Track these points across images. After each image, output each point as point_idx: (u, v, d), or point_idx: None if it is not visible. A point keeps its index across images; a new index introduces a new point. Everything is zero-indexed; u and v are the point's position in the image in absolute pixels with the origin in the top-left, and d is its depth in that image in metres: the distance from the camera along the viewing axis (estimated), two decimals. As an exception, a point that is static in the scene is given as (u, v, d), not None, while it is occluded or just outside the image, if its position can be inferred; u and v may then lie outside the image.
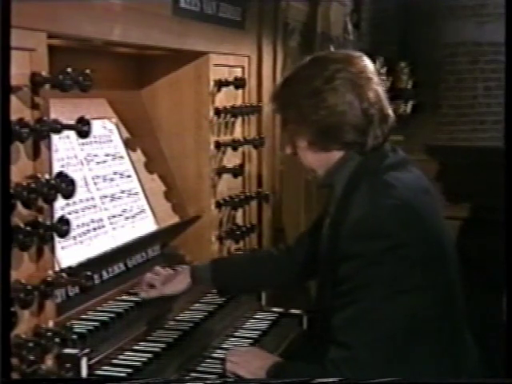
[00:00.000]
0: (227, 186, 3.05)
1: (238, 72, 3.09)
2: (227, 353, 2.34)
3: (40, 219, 1.76)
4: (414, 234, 2.04)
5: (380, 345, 2.01)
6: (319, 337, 2.25)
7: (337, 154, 2.16)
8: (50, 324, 1.83)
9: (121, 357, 2.17)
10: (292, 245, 2.69)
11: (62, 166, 2.30)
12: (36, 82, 1.76)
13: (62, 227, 1.78)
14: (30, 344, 1.70)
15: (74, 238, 2.28)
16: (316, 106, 2.10)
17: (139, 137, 2.87)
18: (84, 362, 1.93)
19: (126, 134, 2.80)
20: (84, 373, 1.93)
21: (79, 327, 2.12)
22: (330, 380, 1.91)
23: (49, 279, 1.78)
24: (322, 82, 2.10)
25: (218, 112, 2.93)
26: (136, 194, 2.73)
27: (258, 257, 2.71)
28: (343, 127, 2.10)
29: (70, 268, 1.90)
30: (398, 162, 2.20)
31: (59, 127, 1.78)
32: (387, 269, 2.00)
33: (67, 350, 1.89)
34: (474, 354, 2.30)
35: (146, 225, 2.72)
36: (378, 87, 2.16)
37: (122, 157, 2.73)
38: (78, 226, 2.32)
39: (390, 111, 2.18)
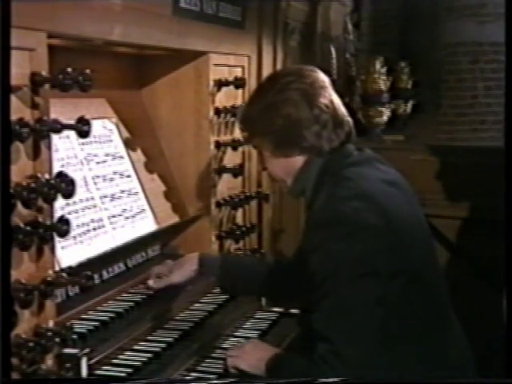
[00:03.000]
0: (227, 185, 3.05)
1: (238, 72, 3.10)
2: (229, 350, 2.35)
3: (40, 219, 1.76)
4: (369, 219, 2.08)
5: (358, 332, 2.06)
6: (308, 334, 2.27)
7: (299, 160, 2.27)
8: (50, 324, 1.83)
9: (121, 357, 2.17)
10: (291, 257, 2.72)
11: (62, 166, 2.31)
12: (36, 82, 1.76)
13: (62, 227, 1.78)
14: (30, 344, 1.70)
15: (74, 237, 2.29)
16: (272, 117, 2.25)
17: (139, 137, 2.87)
18: (84, 362, 1.93)
19: (126, 134, 2.81)
20: (84, 373, 1.93)
21: (79, 327, 2.12)
22: (332, 380, 1.92)
23: (49, 279, 1.78)
24: (274, 94, 2.26)
25: (217, 112, 2.93)
26: (136, 193, 2.73)
27: (267, 264, 2.73)
28: (299, 133, 2.24)
29: (70, 268, 1.90)
30: (362, 160, 2.29)
31: (59, 127, 1.78)
32: (347, 254, 2.05)
33: (67, 350, 1.89)
34: (463, 341, 2.34)
35: (146, 225, 2.72)
36: (331, 96, 2.29)
37: (121, 157, 2.73)
38: (77, 225, 2.33)
39: (346, 117, 2.31)
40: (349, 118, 2.33)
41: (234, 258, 2.86)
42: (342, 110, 2.31)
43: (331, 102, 2.27)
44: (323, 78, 2.32)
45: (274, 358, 2.21)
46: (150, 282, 2.50)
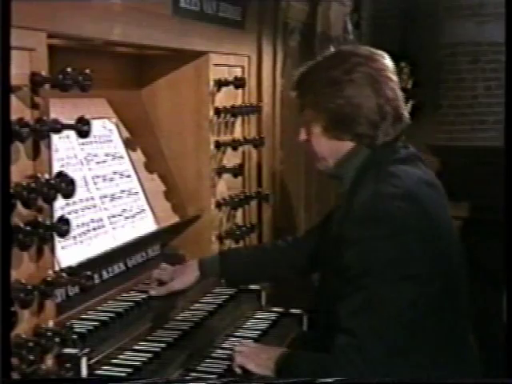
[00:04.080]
0: (227, 185, 3.05)
1: (238, 72, 3.09)
2: (237, 347, 2.34)
3: (40, 219, 1.76)
4: (414, 221, 2.05)
5: (384, 332, 2.03)
6: (324, 327, 2.26)
7: (348, 145, 2.21)
8: (50, 324, 1.83)
9: (121, 356, 2.17)
10: (301, 237, 2.71)
11: (62, 166, 2.30)
12: (36, 82, 1.76)
13: (62, 227, 1.78)
14: (30, 344, 1.70)
15: (74, 237, 2.28)
16: (333, 95, 2.17)
17: (139, 137, 2.87)
18: (84, 362, 1.93)
19: (126, 134, 2.80)
20: (84, 373, 1.93)
21: (79, 327, 2.11)
22: (333, 380, 1.92)
23: (49, 279, 1.79)
24: (341, 73, 2.18)
25: (217, 112, 2.93)
26: (136, 193, 2.73)
27: (265, 248, 2.76)
28: (357, 119, 2.17)
29: (69, 268, 1.90)
30: (407, 157, 2.24)
31: (59, 127, 1.78)
32: (388, 255, 2.02)
33: (67, 350, 1.89)
34: (476, 355, 2.31)
35: (146, 225, 2.72)
36: (395, 87, 2.23)
37: (121, 157, 2.73)
38: (77, 225, 2.32)
39: (405, 112, 2.26)
40: (406, 113, 2.27)
41: (231, 250, 2.88)
42: (403, 103, 2.25)
43: (395, 92, 2.21)
44: (391, 66, 2.25)
45: (284, 356, 2.19)
46: (153, 292, 2.49)
